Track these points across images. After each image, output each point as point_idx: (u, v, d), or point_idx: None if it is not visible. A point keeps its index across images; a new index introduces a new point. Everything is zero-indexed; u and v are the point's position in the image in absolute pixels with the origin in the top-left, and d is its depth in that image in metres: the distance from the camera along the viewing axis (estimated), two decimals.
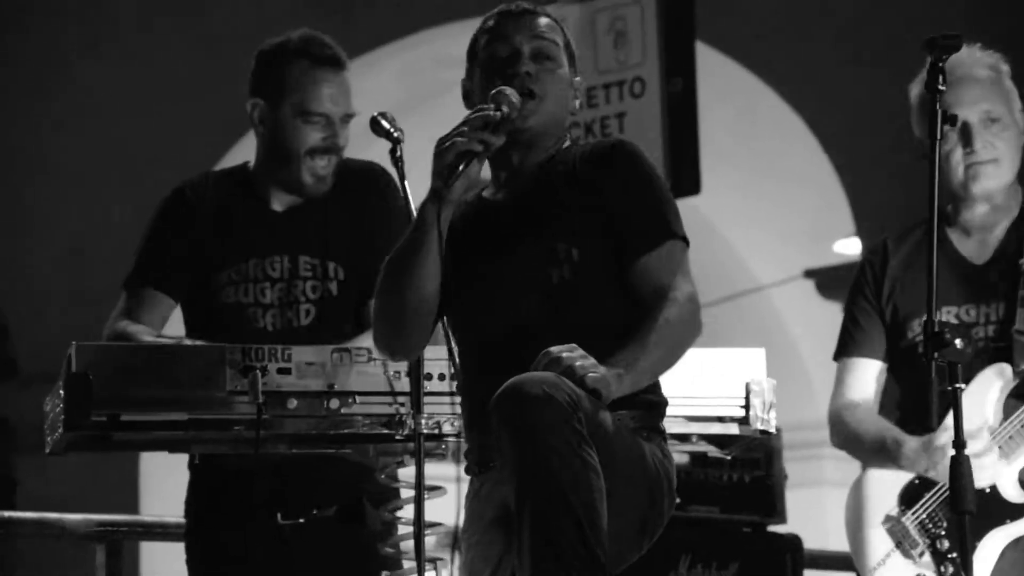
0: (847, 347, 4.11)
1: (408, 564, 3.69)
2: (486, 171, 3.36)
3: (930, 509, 3.89)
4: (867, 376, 4.08)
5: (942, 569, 3.86)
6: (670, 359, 3.18)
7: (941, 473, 3.81)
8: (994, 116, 3.92)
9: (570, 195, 3.25)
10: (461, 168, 3.15)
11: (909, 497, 3.92)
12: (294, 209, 3.93)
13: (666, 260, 3.22)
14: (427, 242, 3.21)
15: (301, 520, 3.67)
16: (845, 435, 4.07)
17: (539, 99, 3.27)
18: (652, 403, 3.25)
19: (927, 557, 3.89)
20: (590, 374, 3.01)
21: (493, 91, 3.22)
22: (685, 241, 3.26)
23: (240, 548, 3.78)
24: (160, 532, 5.07)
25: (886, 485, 3.95)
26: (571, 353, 3.03)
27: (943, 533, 3.87)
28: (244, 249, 3.89)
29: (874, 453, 3.99)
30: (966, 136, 3.92)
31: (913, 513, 3.91)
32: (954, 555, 3.84)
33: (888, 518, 3.93)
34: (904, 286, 4.03)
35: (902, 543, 3.91)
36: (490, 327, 3.25)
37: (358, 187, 3.93)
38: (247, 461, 3.63)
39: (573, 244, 3.21)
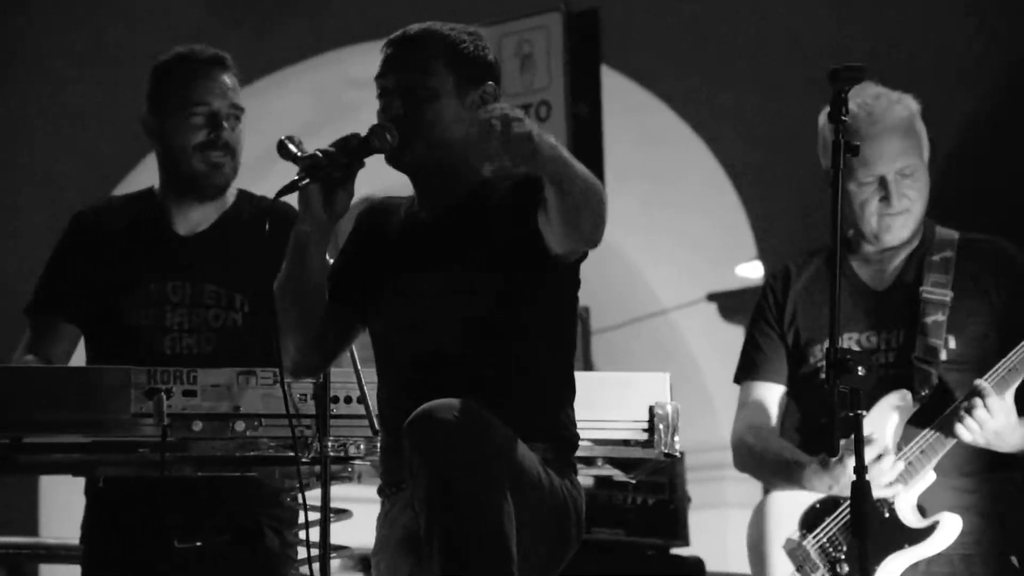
0: (748, 371, 4.15)
1: None
2: (406, 188, 3.37)
3: (830, 533, 3.94)
4: (769, 400, 4.12)
5: None
6: (586, 194, 3.03)
7: (842, 490, 3.86)
8: (908, 172, 4.00)
9: (495, 225, 3.24)
10: (305, 180, 3.17)
11: (810, 521, 3.96)
12: (199, 235, 3.92)
13: None
14: (301, 266, 3.24)
15: (198, 544, 3.64)
16: (748, 458, 4.11)
17: (412, 133, 3.23)
18: (566, 438, 3.27)
19: None
20: (515, 128, 2.92)
21: (374, 124, 3.23)
22: None
23: (137, 572, 3.75)
24: (63, 555, 5.03)
25: (788, 508, 3.99)
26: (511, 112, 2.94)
27: (843, 557, 3.91)
28: (146, 273, 3.87)
29: (776, 474, 4.03)
30: (884, 190, 3.99)
31: (814, 537, 3.95)
32: None
33: (789, 541, 3.97)
34: (806, 311, 4.08)
35: (803, 566, 3.95)
36: (405, 351, 3.26)
37: (269, 223, 3.90)
38: (144, 484, 3.63)
39: (498, 276, 3.21)
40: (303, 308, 3.27)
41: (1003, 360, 3.88)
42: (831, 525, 3.94)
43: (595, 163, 7.25)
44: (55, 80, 9.01)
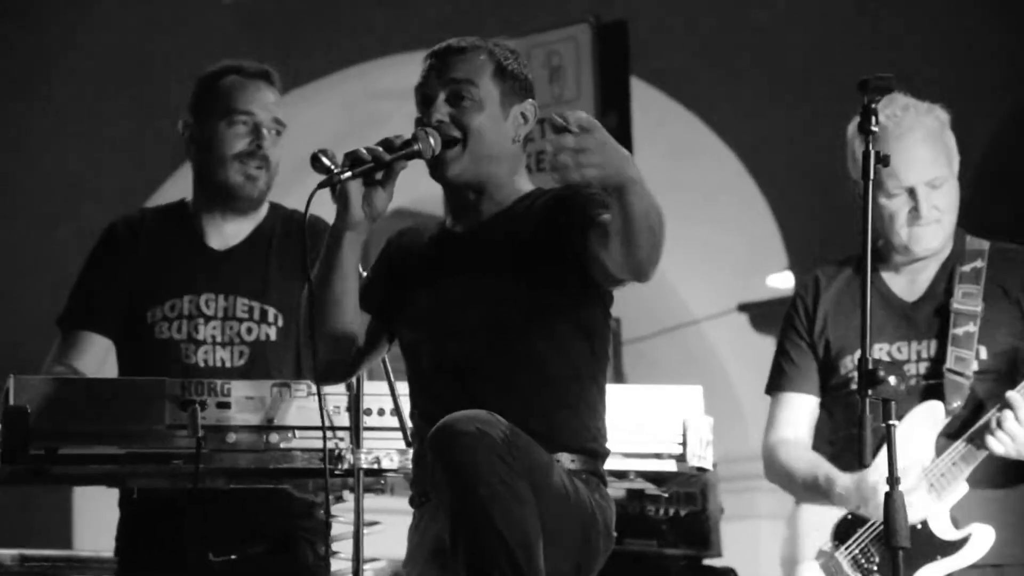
0: (779, 382, 4.14)
1: None
2: (437, 204, 3.38)
3: (863, 544, 3.93)
4: (800, 411, 4.11)
5: None
6: (658, 217, 3.09)
7: (872, 511, 3.85)
8: (938, 183, 3.99)
9: (528, 238, 3.24)
10: (348, 173, 3.17)
11: (842, 532, 3.96)
12: (233, 249, 3.93)
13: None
14: (334, 268, 3.24)
15: (233, 557, 3.65)
16: (778, 471, 4.11)
17: (457, 140, 3.25)
18: (595, 450, 3.27)
19: None
20: (590, 170, 2.93)
21: (417, 127, 3.24)
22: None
23: None
24: (96, 567, 5.03)
25: (820, 520, 3.98)
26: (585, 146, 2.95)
27: (875, 568, 3.91)
28: (179, 286, 3.89)
29: (807, 490, 4.02)
30: (913, 201, 3.98)
31: (846, 548, 3.95)
32: None
33: (821, 553, 3.96)
34: (836, 322, 4.08)
35: None
36: (436, 360, 3.26)
37: (301, 237, 3.91)
38: (179, 497, 3.64)
39: (531, 289, 3.22)
40: (335, 309, 3.27)
41: None
42: (863, 536, 3.94)
43: None
44: (87, 92, 9.06)
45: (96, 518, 3.90)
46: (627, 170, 2.98)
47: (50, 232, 8.65)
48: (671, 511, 5.27)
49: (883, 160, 3.44)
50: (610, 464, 3.43)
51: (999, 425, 3.81)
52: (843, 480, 3.92)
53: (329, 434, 3.50)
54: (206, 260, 3.91)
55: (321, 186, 3.22)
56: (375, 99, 8.54)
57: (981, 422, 3.87)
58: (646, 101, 8.27)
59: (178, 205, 4.02)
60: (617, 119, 7.31)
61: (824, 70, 8.11)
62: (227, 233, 3.94)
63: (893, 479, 3.22)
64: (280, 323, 3.86)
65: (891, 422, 3.24)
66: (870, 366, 3.25)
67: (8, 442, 3.44)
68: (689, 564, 5.35)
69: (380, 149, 3.21)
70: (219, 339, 3.85)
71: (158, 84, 8.34)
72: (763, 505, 10.57)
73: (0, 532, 7.00)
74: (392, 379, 3.49)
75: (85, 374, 3.85)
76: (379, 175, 3.23)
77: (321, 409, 3.41)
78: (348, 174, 3.19)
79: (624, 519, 5.20)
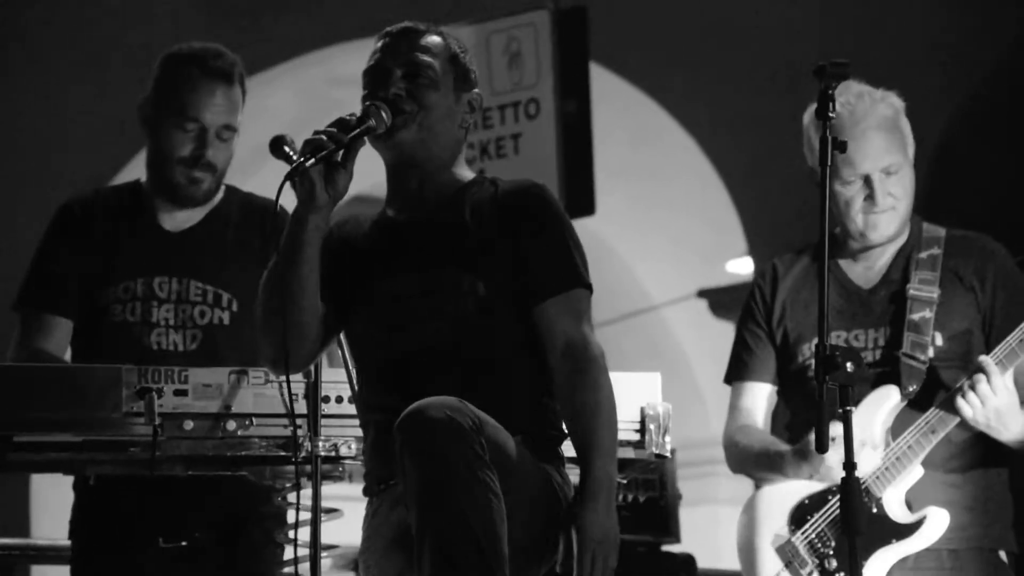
0: (738, 371, 4.16)
1: None
2: (380, 190, 3.38)
3: (819, 529, 3.95)
4: (758, 400, 4.14)
5: None
6: (615, 434, 3.23)
7: (824, 474, 3.88)
8: (893, 170, 4.01)
9: (479, 232, 3.26)
10: (311, 160, 3.16)
11: (798, 517, 3.98)
12: (187, 231, 3.91)
13: (572, 306, 3.25)
14: (297, 252, 3.23)
15: (183, 543, 3.64)
16: (737, 457, 4.14)
17: (410, 115, 3.27)
18: (551, 434, 3.29)
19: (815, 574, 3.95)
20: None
21: (366, 103, 3.26)
22: (589, 289, 3.29)
23: (123, 570, 3.75)
24: (53, 556, 5.01)
25: (777, 505, 4.00)
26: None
27: (831, 552, 3.92)
28: (132, 267, 3.86)
29: (760, 466, 4.05)
30: (868, 188, 4.00)
31: (802, 533, 3.97)
32: (842, 574, 3.90)
33: (777, 538, 3.98)
34: (795, 310, 4.10)
35: (792, 563, 3.97)
36: (389, 350, 3.26)
37: (260, 224, 3.90)
38: (131, 482, 3.63)
39: (479, 279, 3.23)
40: (300, 294, 3.25)
41: (1006, 339, 3.89)
42: (819, 521, 3.95)
43: (584, 160, 7.26)
44: (44, 75, 9.01)
45: (54, 506, 3.88)
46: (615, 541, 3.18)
47: (11, 218, 8.60)
48: (629, 497, 5.28)
49: (840, 146, 3.44)
50: (569, 450, 3.43)
51: (972, 388, 3.84)
52: (790, 451, 3.95)
53: (285, 421, 3.49)
54: (159, 242, 3.89)
55: (288, 178, 3.21)
56: (334, 85, 8.52)
57: (954, 389, 3.89)
58: (606, 87, 8.27)
59: (133, 185, 4.00)
60: (576, 105, 7.31)
61: (783, 56, 8.12)
62: (179, 217, 3.92)
63: (850, 465, 3.23)
64: (235, 307, 3.84)
65: (848, 408, 3.26)
66: (827, 352, 3.27)
67: None
68: (648, 550, 5.36)
69: (336, 131, 3.21)
70: (172, 322, 3.83)
71: (113, 65, 8.29)
72: (722, 490, 10.60)
73: None
74: (350, 367, 3.49)
75: (56, 356, 3.83)
76: (339, 156, 3.23)
77: (289, 395, 3.41)
78: (311, 161, 3.18)
79: None
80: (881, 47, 7.69)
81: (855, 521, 3.22)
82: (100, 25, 8.88)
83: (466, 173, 3.39)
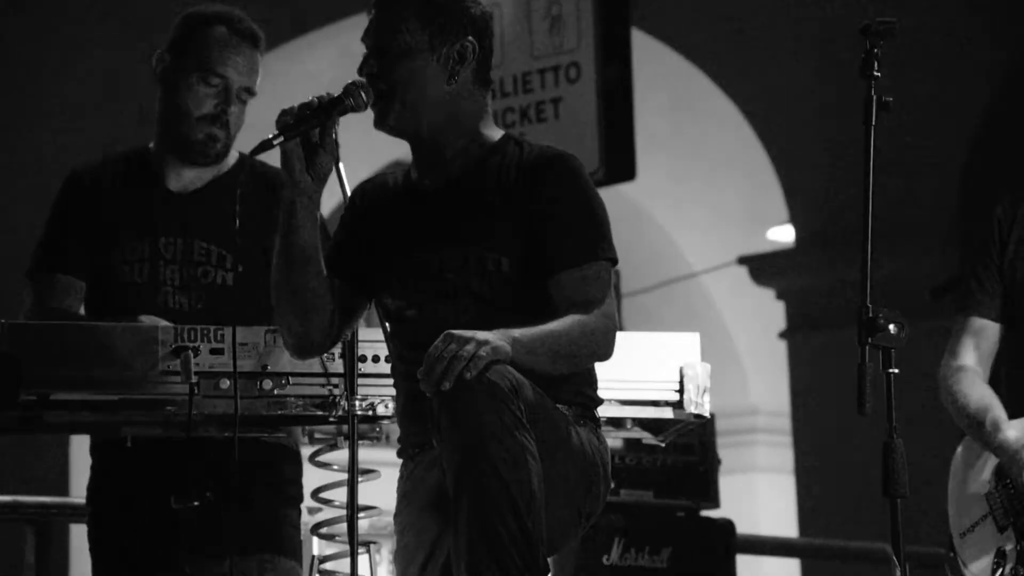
0: (969, 305, 4.03)
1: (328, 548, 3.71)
2: (404, 151, 3.34)
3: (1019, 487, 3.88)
4: (984, 338, 4.01)
5: (1020, 547, 3.85)
6: (572, 356, 3.12)
7: (1016, 474, 3.82)
8: None
9: (504, 204, 3.20)
10: (279, 138, 3.15)
11: (1000, 471, 3.92)
12: (193, 192, 3.88)
13: (592, 279, 3.18)
14: (290, 234, 3.21)
15: (194, 503, 3.62)
16: (950, 398, 4.02)
17: (387, 93, 3.20)
18: (590, 396, 3.25)
19: (1010, 531, 3.88)
20: (480, 357, 2.95)
21: (350, 82, 3.21)
22: (612, 262, 3.22)
23: (136, 532, 3.74)
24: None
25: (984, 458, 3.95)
26: (461, 349, 2.96)
27: None
28: (139, 228, 3.84)
29: (970, 427, 3.96)
30: None
31: (1004, 487, 3.90)
32: None
33: (985, 484, 3.92)
34: None
35: (993, 513, 3.91)
36: (418, 321, 3.23)
37: (271, 190, 3.86)
38: (145, 443, 3.63)
39: (503, 254, 3.18)
40: (297, 276, 3.23)
41: None
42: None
43: (624, 125, 7.22)
44: (73, 36, 9.00)
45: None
46: (502, 348, 2.98)
47: (23, 181, 8.61)
48: (668, 461, 5.26)
49: (885, 106, 3.39)
50: (607, 412, 3.40)
51: None
52: (1008, 433, 3.87)
53: (322, 380, 3.47)
54: (165, 202, 3.86)
55: (253, 153, 3.22)
56: None
57: None
58: (647, 52, 8.22)
59: (140, 150, 3.97)
60: (617, 70, 7.28)
61: (828, 21, 8.06)
62: (187, 178, 3.90)
63: (892, 428, 3.19)
64: (240, 269, 3.81)
65: (890, 370, 3.21)
66: (869, 315, 3.22)
67: None
68: (687, 515, 5.34)
69: (305, 108, 3.17)
70: (177, 282, 3.81)
71: (144, 37, 8.28)
72: (760, 458, 10.59)
73: None
74: (387, 327, 3.46)
75: (74, 312, 3.82)
76: (315, 136, 3.19)
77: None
78: (280, 139, 3.16)
79: (621, 470, 5.19)
80: (935, 10, 7.63)
81: (897, 486, 3.18)
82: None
83: (490, 132, 3.30)
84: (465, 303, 3.19)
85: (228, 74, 3.83)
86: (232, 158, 3.92)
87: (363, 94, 3.20)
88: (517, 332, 3.04)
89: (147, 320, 3.59)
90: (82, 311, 3.86)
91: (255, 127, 3.85)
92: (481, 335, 2.98)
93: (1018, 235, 4.00)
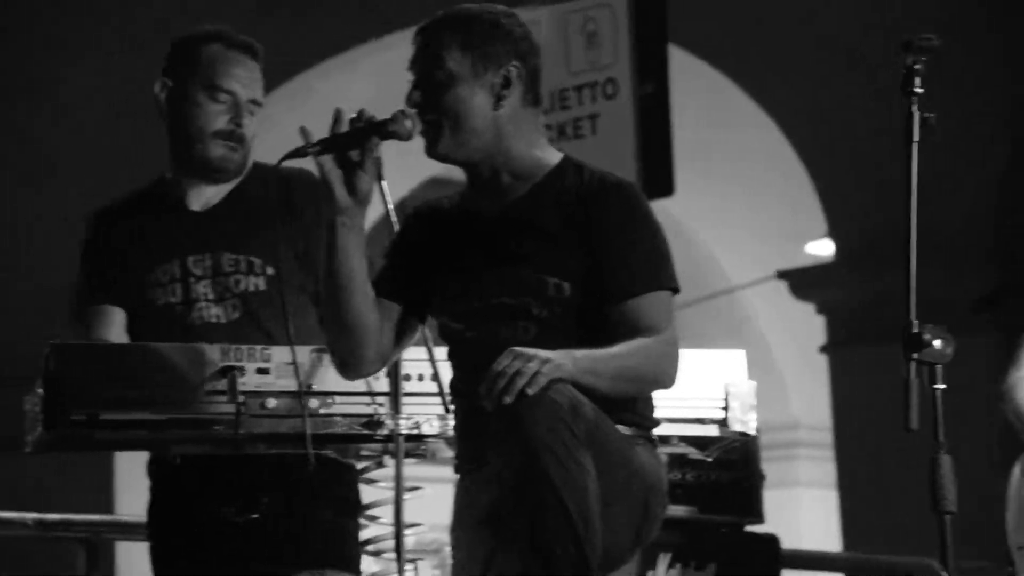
0: None
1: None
2: (455, 171, 3.36)
3: None
4: None
5: None
6: (634, 379, 3.13)
7: None
8: None
9: (564, 229, 3.20)
10: (316, 147, 3.17)
11: None
12: (212, 207, 3.91)
13: (653, 307, 3.17)
14: (333, 257, 3.22)
15: (254, 516, 3.65)
16: (1013, 409, 4.04)
17: (434, 124, 3.21)
18: (647, 416, 3.26)
19: None
20: (542, 374, 2.96)
21: (398, 110, 3.22)
22: (674, 291, 3.23)
23: (195, 549, 3.76)
24: (139, 531, 5.05)
25: None
26: (524, 366, 2.97)
27: None
28: (167, 251, 3.87)
29: None
30: None
31: None
32: None
33: None
34: None
35: None
36: (476, 344, 3.22)
37: (284, 180, 3.89)
38: (199, 459, 3.66)
39: (564, 279, 3.18)
40: (343, 297, 3.23)
41: None
42: None
43: (662, 141, 7.22)
44: (106, 65, 9.06)
45: (137, 483, 3.90)
46: (564, 366, 3.00)
47: (75, 198, 8.66)
48: (713, 477, 5.25)
49: (926, 122, 3.38)
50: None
51: None
52: None
53: (368, 399, 3.49)
54: (188, 222, 3.89)
55: (285, 158, 3.24)
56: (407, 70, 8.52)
57: None
58: (684, 68, 8.23)
59: (157, 181, 4.00)
60: (655, 86, 7.28)
61: (867, 33, 8.06)
62: (207, 195, 3.93)
63: (939, 444, 3.19)
64: (268, 271, 3.84)
65: (936, 386, 3.21)
66: (913, 330, 3.22)
67: (49, 408, 3.44)
68: (731, 530, 5.34)
69: (353, 121, 3.19)
70: (211, 296, 3.84)
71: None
72: (803, 473, 10.57)
73: (42, 497, 7.04)
74: (431, 345, 3.48)
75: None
76: (354, 155, 3.20)
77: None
78: (316, 148, 3.18)
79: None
80: (970, 23, 7.61)
81: (945, 502, 3.17)
82: (154, 17, 8.88)
83: (547, 155, 3.30)
84: (524, 325, 3.19)
85: (234, 88, 3.85)
86: (246, 169, 3.94)
87: (409, 123, 3.21)
88: (580, 353, 3.05)
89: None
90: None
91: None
92: (544, 353, 2.99)
93: None
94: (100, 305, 3.87)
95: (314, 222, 3.77)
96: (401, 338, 3.33)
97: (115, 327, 3.86)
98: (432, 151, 3.25)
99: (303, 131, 3.26)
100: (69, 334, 3.91)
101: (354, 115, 3.22)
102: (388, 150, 3.37)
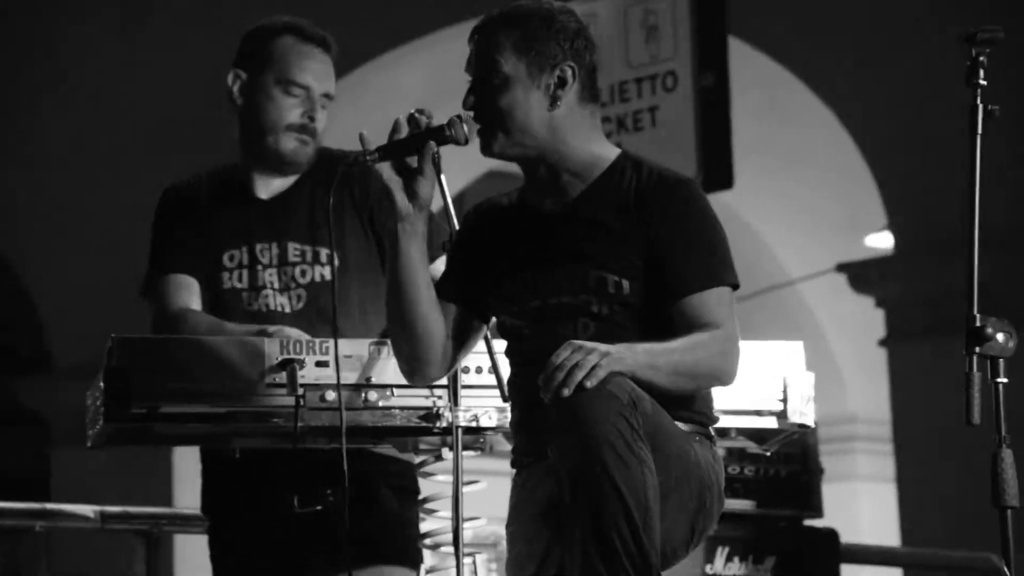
0: None
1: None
2: (511, 165, 3.36)
3: None
4: None
5: None
6: (693, 374, 3.13)
7: None
8: None
9: (624, 227, 3.20)
10: (374, 154, 3.21)
11: None
12: (279, 196, 3.93)
13: (714, 304, 3.17)
14: (395, 261, 3.24)
15: (318, 507, 3.66)
16: None
17: (490, 126, 3.22)
18: (706, 413, 3.26)
19: None
20: (601, 367, 2.96)
21: (455, 115, 3.23)
22: (734, 287, 3.22)
23: (257, 538, 3.78)
24: (197, 524, 5.08)
25: None
26: (584, 359, 2.98)
27: None
28: (235, 237, 3.89)
29: None
30: None
31: None
32: None
33: None
34: None
35: None
36: (536, 341, 3.22)
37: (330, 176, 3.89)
38: (266, 453, 3.67)
39: (623, 276, 3.18)
40: (406, 302, 3.26)
41: None
42: None
43: (722, 133, 7.20)
44: (152, 56, 9.10)
45: (196, 476, 3.92)
46: (623, 359, 3.00)
47: (143, 191, 8.72)
48: (771, 471, 5.24)
49: (990, 114, 3.36)
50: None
51: None
52: None
53: (426, 392, 3.49)
54: (256, 210, 3.90)
55: (347, 166, 3.27)
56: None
57: None
58: (743, 59, 8.20)
59: (229, 167, 4.01)
60: (715, 79, 7.26)
61: (928, 25, 8.00)
62: (274, 185, 3.94)
63: (1002, 438, 3.17)
64: (336, 261, 3.85)
65: (999, 380, 3.19)
66: (977, 323, 3.19)
67: (110, 401, 3.45)
68: (789, 525, 5.32)
69: (411, 124, 3.21)
70: (276, 285, 3.85)
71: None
72: (861, 467, 10.52)
73: (103, 490, 7.09)
74: (489, 337, 3.48)
75: (203, 313, 3.85)
76: (413, 162, 3.22)
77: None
78: (375, 155, 3.21)
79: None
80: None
81: (1006, 496, 3.15)
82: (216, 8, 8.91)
83: (604, 151, 3.30)
84: (584, 323, 3.19)
85: (308, 82, 3.86)
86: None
87: (465, 127, 3.23)
88: (639, 346, 3.05)
89: (274, 330, 3.63)
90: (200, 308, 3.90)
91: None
92: (603, 347, 2.99)
93: None
94: (177, 274, 3.89)
95: (367, 200, 3.81)
96: (466, 341, 3.35)
97: (195, 296, 3.88)
98: (488, 151, 3.26)
99: (362, 138, 3.27)
100: (141, 310, 3.92)
101: (413, 112, 3.23)
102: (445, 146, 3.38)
